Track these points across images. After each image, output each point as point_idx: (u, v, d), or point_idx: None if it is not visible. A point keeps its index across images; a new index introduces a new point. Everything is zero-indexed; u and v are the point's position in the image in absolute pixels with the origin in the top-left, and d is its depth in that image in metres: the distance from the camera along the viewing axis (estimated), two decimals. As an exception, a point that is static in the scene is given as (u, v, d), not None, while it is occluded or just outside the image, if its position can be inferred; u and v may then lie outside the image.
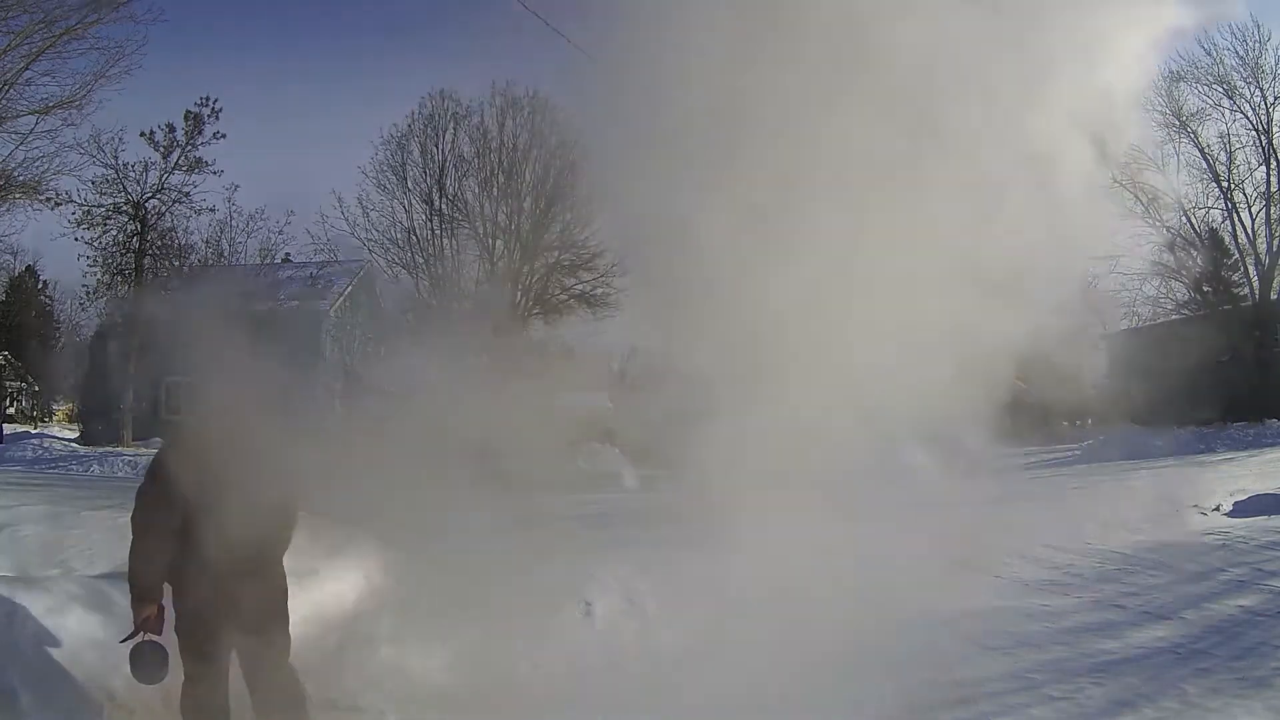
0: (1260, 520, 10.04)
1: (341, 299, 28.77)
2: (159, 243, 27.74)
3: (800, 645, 4.52)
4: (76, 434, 31.11)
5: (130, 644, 3.32)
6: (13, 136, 20.79)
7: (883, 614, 5.18)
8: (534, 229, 27.42)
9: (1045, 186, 4.91)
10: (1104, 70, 4.87)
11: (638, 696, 4.55)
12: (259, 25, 52.58)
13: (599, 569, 5.83)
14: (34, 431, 33.02)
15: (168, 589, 3.43)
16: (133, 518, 3.41)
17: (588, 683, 4.81)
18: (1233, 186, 27.20)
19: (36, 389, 43.84)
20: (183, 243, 28.21)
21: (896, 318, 4.80)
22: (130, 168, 26.80)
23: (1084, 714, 4.52)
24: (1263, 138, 26.65)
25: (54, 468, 19.99)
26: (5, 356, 37.83)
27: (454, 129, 28.20)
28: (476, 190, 27.86)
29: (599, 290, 27.89)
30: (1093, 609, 6.64)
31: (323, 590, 5.04)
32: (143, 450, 22.02)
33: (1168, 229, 27.07)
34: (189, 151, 27.22)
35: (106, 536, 5.12)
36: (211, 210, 27.82)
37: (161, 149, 27.03)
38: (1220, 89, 26.64)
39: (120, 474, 18.46)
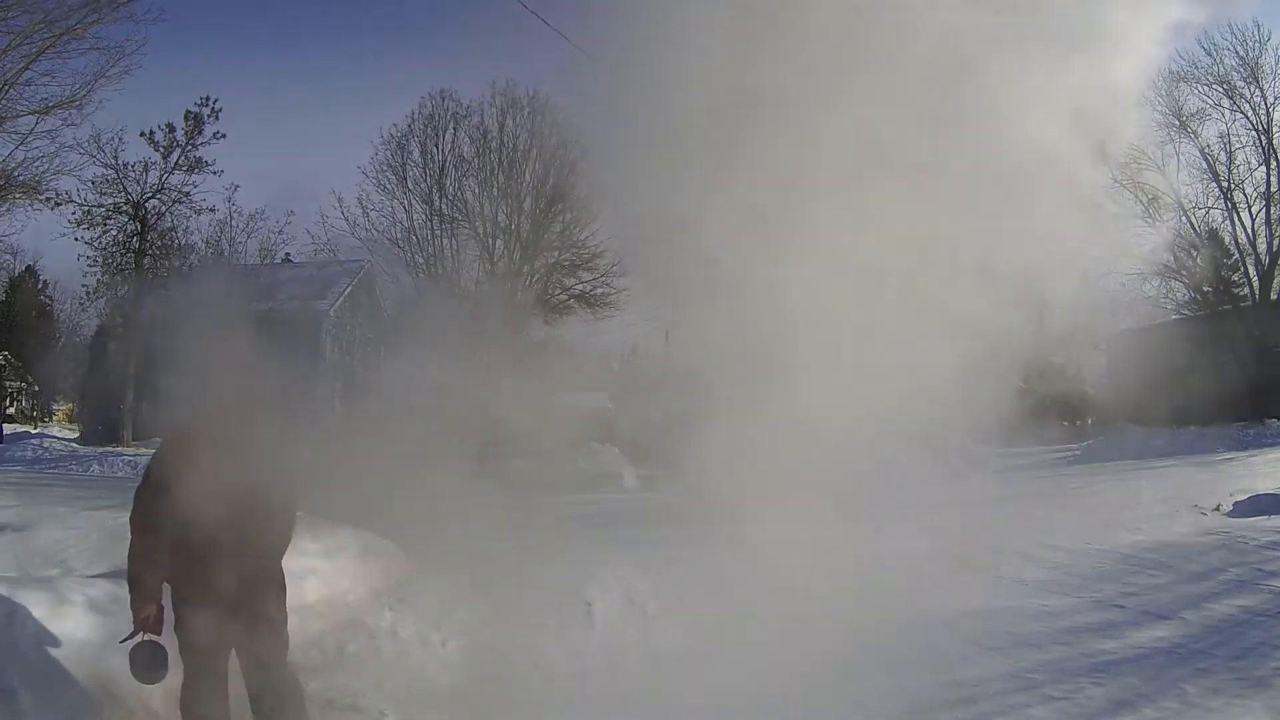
0: (1260, 520, 10.04)
1: (341, 299, 28.76)
2: (159, 243, 27.75)
3: (800, 645, 4.51)
4: (76, 434, 31.12)
5: (130, 644, 3.32)
6: (13, 136, 20.76)
7: (883, 614, 5.17)
8: (534, 229, 27.39)
9: (1046, 187, 4.91)
10: (1106, 68, 4.87)
11: (638, 696, 4.55)
12: (259, 25, 52.61)
13: (599, 569, 5.83)
14: (34, 431, 33.02)
15: (167, 589, 3.43)
16: (132, 518, 3.41)
17: (588, 683, 4.81)
18: (1233, 186, 27.17)
19: (36, 389, 43.82)
20: (183, 243, 28.27)
21: (897, 318, 4.80)
22: (130, 168, 26.88)
23: (1084, 714, 4.52)
24: (1263, 138, 26.62)
25: (54, 468, 20.01)
26: (5, 356, 37.81)
27: (454, 129, 28.16)
28: (476, 190, 27.83)
29: (599, 290, 27.89)
30: (1093, 609, 6.64)
31: (322, 590, 5.04)
32: (143, 450, 22.02)
33: (1168, 229, 27.06)
34: (189, 151, 27.29)
35: (106, 536, 5.12)
36: (211, 210, 27.90)
37: (161, 149, 27.10)
38: (1220, 89, 26.62)
39: (120, 474, 18.48)
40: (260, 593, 3.55)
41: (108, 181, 26.43)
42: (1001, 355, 4.95)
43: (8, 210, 22.49)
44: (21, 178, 21.38)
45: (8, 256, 31.34)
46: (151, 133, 26.95)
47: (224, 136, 27.58)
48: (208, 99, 27.38)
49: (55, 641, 4.00)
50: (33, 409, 44.07)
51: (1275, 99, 26.38)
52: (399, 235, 27.84)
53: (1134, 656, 5.42)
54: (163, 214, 27.62)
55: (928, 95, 4.64)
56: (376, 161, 28.31)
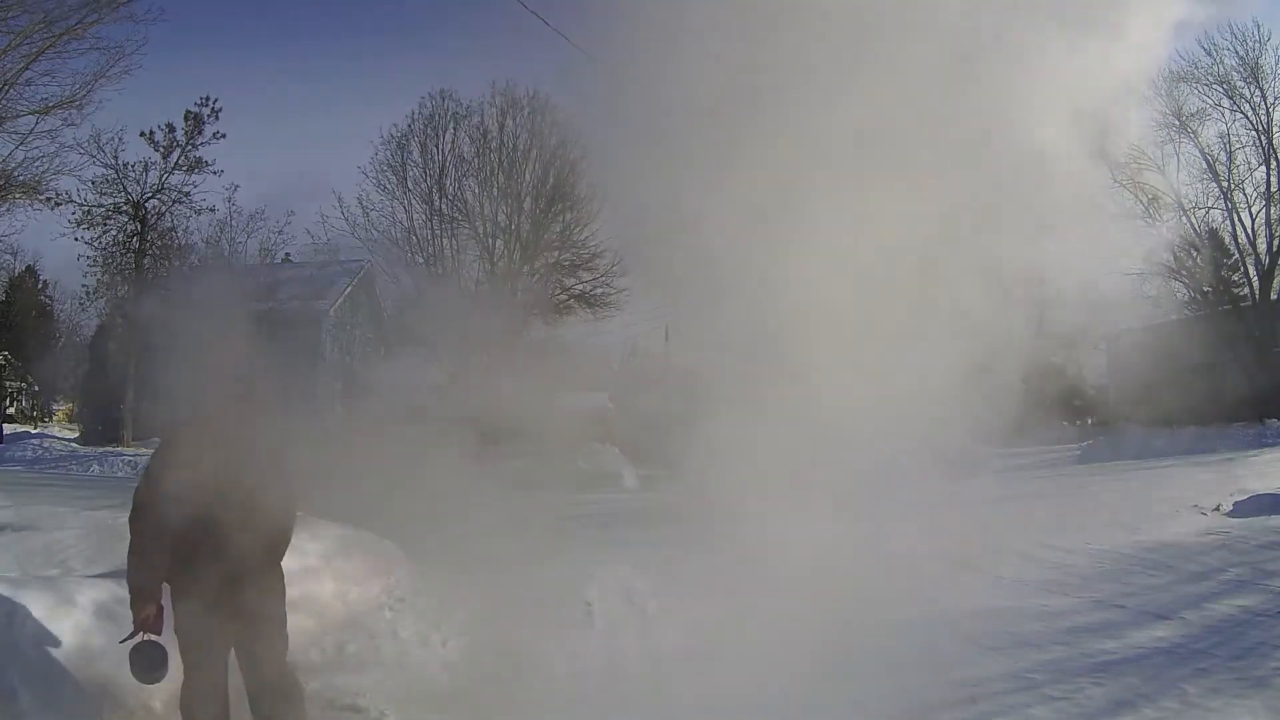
0: (1260, 520, 10.04)
1: (341, 299, 28.76)
2: (159, 243, 27.75)
3: (800, 645, 4.52)
4: (76, 434, 31.12)
5: (130, 644, 3.31)
6: (13, 136, 20.78)
7: (883, 614, 5.18)
8: (534, 229, 27.43)
9: (1047, 187, 4.91)
10: (1107, 67, 4.87)
11: (638, 696, 4.55)
12: (259, 25, 52.58)
13: (599, 569, 5.82)
14: (34, 431, 33.03)
15: (167, 589, 3.43)
16: (131, 517, 3.40)
17: (588, 683, 4.80)
18: (1233, 187, 27.20)
19: (36, 389, 43.82)
20: (183, 243, 28.26)
21: (897, 318, 4.81)
22: (130, 168, 26.88)
23: (1084, 714, 4.52)
24: (1263, 138, 26.64)
25: (54, 468, 20.02)
26: (5, 356, 37.79)
27: (454, 129, 28.22)
28: (476, 190, 27.89)
29: (599, 290, 27.95)
30: (1093, 609, 6.64)
31: (322, 590, 5.04)
32: (143, 450, 22.02)
33: (1168, 229, 27.05)
34: (189, 151, 27.30)
35: (106, 536, 5.12)
36: (211, 210, 27.90)
37: (161, 149, 27.10)
38: (1220, 89, 26.65)
39: (120, 474, 18.49)
40: (260, 592, 3.54)
41: (108, 181, 26.49)
42: (1002, 355, 4.96)
43: (8, 210, 22.52)
44: (21, 178, 21.41)
45: (8, 256, 31.38)
46: (151, 133, 27.00)
47: (224, 136, 27.65)
48: (208, 99, 27.43)
49: (55, 641, 4.00)
50: (33, 409, 44.09)
51: (1275, 99, 26.43)
52: (399, 235, 27.93)
53: (1134, 656, 5.42)
54: (163, 214, 27.66)
55: (928, 94, 4.64)
56: (376, 161, 28.43)
